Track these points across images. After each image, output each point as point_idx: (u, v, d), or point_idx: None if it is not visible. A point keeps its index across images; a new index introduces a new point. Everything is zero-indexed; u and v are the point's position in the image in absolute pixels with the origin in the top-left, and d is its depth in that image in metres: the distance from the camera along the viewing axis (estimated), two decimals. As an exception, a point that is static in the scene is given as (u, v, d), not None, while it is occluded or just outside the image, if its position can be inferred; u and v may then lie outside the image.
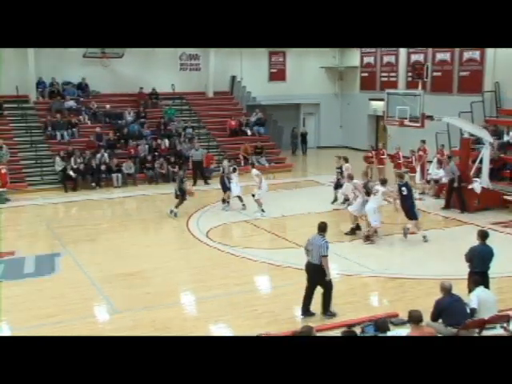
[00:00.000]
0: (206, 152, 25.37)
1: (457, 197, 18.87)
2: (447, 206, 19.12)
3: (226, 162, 20.09)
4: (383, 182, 15.90)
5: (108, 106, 27.62)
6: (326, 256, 10.50)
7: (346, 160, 19.74)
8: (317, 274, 10.59)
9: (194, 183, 23.81)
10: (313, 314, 10.80)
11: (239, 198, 19.32)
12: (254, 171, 19.02)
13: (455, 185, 18.79)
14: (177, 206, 18.34)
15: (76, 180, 23.30)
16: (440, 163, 21.48)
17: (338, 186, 19.52)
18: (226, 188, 19.39)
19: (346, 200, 18.63)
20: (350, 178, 16.89)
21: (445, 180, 20.27)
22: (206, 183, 24.11)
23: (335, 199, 19.68)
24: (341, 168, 19.43)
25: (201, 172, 24.49)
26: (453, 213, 18.45)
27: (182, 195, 18.44)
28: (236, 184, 19.29)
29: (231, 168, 19.40)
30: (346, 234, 16.13)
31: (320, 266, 10.49)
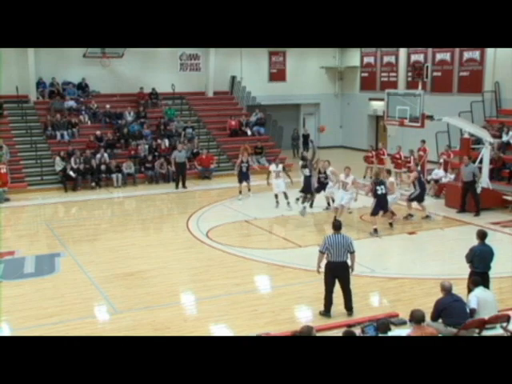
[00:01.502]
0: (189, 154, 25.43)
1: (474, 199, 18.27)
2: (463, 209, 18.45)
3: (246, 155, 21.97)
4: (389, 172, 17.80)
5: (108, 106, 27.63)
6: (354, 252, 10.87)
7: (329, 163, 19.20)
8: (345, 271, 10.83)
9: (177, 186, 23.53)
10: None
11: (285, 194, 19.38)
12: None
13: (478, 188, 18.27)
14: (304, 202, 18.29)
15: (76, 180, 23.30)
16: (446, 164, 21.39)
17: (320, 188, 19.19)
18: (242, 179, 21.15)
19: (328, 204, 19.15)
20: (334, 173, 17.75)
21: (446, 180, 20.26)
22: (184, 187, 23.51)
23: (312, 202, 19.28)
24: (325, 172, 18.91)
25: (182, 175, 23.73)
26: (463, 215, 18.38)
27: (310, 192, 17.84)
28: (282, 181, 19.62)
29: (280, 165, 20.01)
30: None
31: (346, 263, 10.77)
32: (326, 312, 10.89)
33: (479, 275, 9.85)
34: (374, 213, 16.19)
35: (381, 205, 16.16)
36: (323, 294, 10.89)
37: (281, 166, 20.07)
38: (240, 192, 21.12)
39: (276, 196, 19.55)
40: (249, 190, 21.62)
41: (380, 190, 16.01)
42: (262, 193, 22.61)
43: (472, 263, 10.41)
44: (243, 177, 21.21)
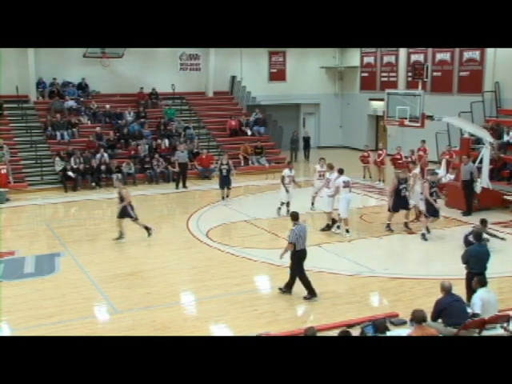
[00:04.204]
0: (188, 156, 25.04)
1: (466, 198, 18.23)
2: (470, 210, 18.27)
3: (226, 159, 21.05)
4: (340, 171, 16.55)
5: (108, 106, 27.63)
6: None
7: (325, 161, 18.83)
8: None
9: (177, 186, 23.51)
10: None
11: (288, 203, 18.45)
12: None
13: (476, 187, 18.18)
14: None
15: (76, 180, 23.30)
16: (448, 164, 21.35)
17: None
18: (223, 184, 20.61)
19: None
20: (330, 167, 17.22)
21: (446, 180, 20.23)
22: (185, 187, 23.52)
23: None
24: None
25: (183, 175, 23.78)
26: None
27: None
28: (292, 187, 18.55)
29: (293, 171, 18.83)
30: (322, 229, 16.70)
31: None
32: (312, 294, 11.52)
33: (476, 276, 9.83)
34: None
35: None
36: (310, 292, 11.23)
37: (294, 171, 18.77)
38: (223, 198, 20.76)
39: (285, 204, 18.45)
40: (227, 196, 20.85)
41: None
42: (261, 193, 22.69)
43: (468, 264, 10.41)
44: (224, 181, 20.64)
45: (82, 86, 28.50)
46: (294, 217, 11.72)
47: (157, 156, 25.06)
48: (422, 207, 16.10)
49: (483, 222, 12.91)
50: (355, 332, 8.61)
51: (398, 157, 23.23)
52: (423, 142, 22.74)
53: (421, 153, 22.69)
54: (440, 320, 9.00)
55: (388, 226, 16.46)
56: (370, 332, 8.62)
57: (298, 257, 11.55)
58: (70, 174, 23.21)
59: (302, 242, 11.49)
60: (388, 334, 8.28)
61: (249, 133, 29.20)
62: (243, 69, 31.76)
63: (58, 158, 23.83)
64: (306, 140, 31.90)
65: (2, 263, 14.19)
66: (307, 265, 13.30)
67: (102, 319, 11.31)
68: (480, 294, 9.24)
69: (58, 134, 25.64)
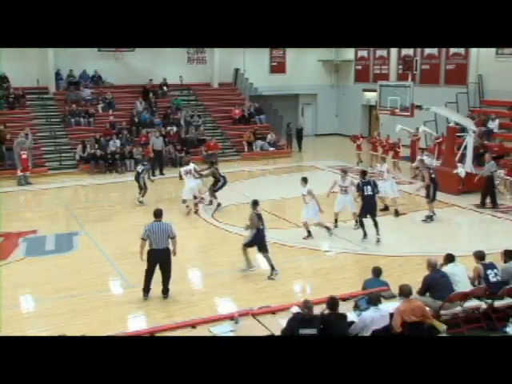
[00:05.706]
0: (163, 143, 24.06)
1: (485, 192, 17.26)
2: (494, 203, 16.99)
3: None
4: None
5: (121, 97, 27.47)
6: (175, 237, 10.70)
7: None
8: (167, 257, 10.71)
9: (153, 173, 21.97)
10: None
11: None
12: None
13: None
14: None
15: (92, 165, 23.28)
16: (440, 150, 21.34)
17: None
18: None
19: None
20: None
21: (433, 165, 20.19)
22: (162, 173, 22.94)
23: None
24: None
25: (160, 161, 23.09)
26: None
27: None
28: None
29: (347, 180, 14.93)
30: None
31: (168, 249, 10.66)
32: (145, 293, 10.63)
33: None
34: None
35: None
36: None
37: (349, 180, 14.91)
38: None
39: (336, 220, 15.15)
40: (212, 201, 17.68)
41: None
42: (261, 177, 22.67)
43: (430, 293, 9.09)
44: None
45: (95, 78, 28.33)
46: (156, 214, 10.63)
47: (170, 146, 24.87)
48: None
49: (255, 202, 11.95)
50: (349, 305, 8.60)
51: (385, 144, 23.09)
52: (417, 129, 22.80)
53: (414, 138, 22.72)
54: (428, 294, 9.00)
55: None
56: (363, 304, 8.58)
57: (149, 256, 10.49)
58: (88, 158, 23.11)
59: (156, 242, 10.36)
60: (379, 306, 8.25)
61: (251, 121, 28.97)
62: (246, 62, 31.56)
63: (79, 147, 23.73)
64: (299, 131, 30.09)
65: (26, 241, 14.27)
66: (305, 243, 13.36)
67: (116, 292, 11.38)
68: (448, 268, 9.18)
69: (76, 122, 25.59)
